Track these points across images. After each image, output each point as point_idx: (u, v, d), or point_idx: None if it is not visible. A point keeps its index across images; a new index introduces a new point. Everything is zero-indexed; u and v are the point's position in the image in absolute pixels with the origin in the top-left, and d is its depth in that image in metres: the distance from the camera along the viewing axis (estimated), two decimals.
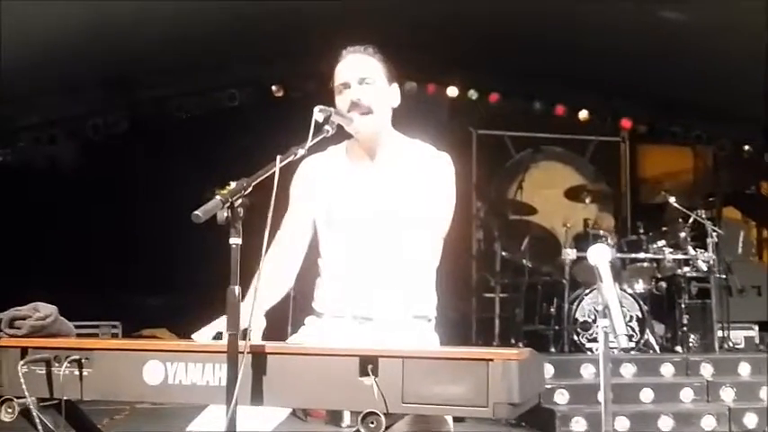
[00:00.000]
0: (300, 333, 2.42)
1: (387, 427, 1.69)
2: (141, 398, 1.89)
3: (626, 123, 8.22)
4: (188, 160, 7.37)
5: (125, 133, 7.25)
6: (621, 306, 5.53)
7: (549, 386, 5.12)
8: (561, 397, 5.17)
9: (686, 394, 5.31)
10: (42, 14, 5.37)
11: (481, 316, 7.90)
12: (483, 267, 8.06)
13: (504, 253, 7.24)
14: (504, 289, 7.37)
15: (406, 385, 1.69)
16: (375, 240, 2.32)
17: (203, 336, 2.08)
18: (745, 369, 5.62)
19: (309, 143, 2.07)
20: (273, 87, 7.43)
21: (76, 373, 1.89)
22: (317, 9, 5.96)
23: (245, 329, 1.77)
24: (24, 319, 2.00)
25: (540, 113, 7.99)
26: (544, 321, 6.53)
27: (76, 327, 2.15)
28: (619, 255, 6.18)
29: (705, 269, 6.23)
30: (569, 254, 6.16)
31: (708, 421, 5.07)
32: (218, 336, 2.02)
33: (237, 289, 1.76)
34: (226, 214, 1.77)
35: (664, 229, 6.41)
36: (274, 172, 1.90)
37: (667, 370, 5.55)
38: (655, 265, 6.29)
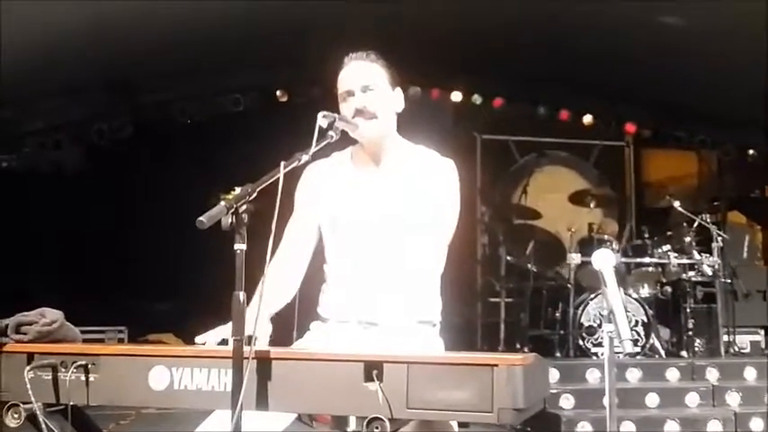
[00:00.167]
0: (305, 338, 2.42)
1: None
2: (147, 403, 1.89)
3: (630, 128, 8.22)
4: (192, 165, 7.38)
5: (130, 138, 7.27)
6: (626, 311, 5.55)
7: (554, 391, 5.11)
8: (567, 402, 5.15)
9: (692, 399, 5.29)
10: (45, 19, 5.39)
11: (486, 321, 7.89)
12: (488, 272, 8.06)
13: (509, 257, 7.24)
14: (510, 294, 7.37)
15: (411, 391, 1.70)
16: (380, 246, 2.33)
17: (207, 339, 2.08)
18: (750, 373, 5.59)
19: (313, 149, 2.07)
20: (278, 92, 7.45)
21: (83, 378, 1.89)
22: (321, 14, 5.98)
23: (251, 336, 1.78)
24: (30, 324, 2.01)
25: (544, 118, 7.99)
26: (549, 326, 6.52)
27: (82, 332, 2.15)
28: (624, 259, 6.17)
29: (710, 273, 6.22)
30: (574, 258, 6.15)
31: (714, 426, 5.05)
32: (224, 342, 2.03)
33: (242, 295, 1.77)
34: (230, 220, 1.78)
35: (669, 233, 6.40)
36: (279, 178, 1.91)
37: (673, 375, 5.53)
38: (660, 269, 6.28)
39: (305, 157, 2.06)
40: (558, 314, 6.33)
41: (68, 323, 2.07)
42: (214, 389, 1.83)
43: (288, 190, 2.01)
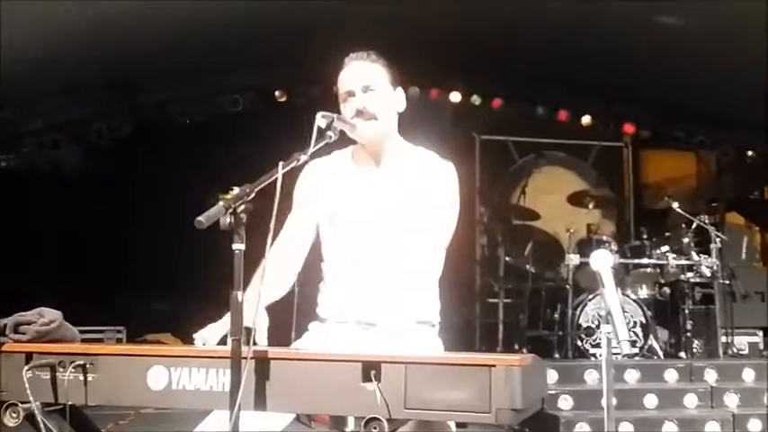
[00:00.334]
0: (304, 338, 2.42)
1: None
2: (145, 403, 1.89)
3: (629, 128, 8.23)
4: (191, 165, 7.37)
5: (128, 138, 7.27)
6: (624, 312, 5.55)
7: (552, 392, 5.11)
8: (565, 403, 5.15)
9: (690, 400, 5.29)
10: (45, 19, 5.39)
11: (485, 321, 7.88)
12: (486, 273, 8.06)
13: (507, 258, 7.24)
14: (508, 294, 7.36)
15: (409, 391, 1.70)
16: (379, 246, 2.33)
17: (204, 338, 2.08)
18: (749, 375, 5.59)
19: (312, 149, 2.07)
20: (276, 93, 7.45)
21: (81, 378, 1.90)
22: (320, 15, 5.98)
23: (249, 328, 1.78)
24: (29, 324, 2.01)
25: (542, 119, 8.00)
26: (548, 327, 6.53)
27: (81, 332, 2.16)
28: (622, 260, 6.17)
29: (709, 275, 6.22)
30: (572, 259, 6.15)
31: (712, 427, 5.05)
32: (224, 342, 2.03)
33: (240, 294, 1.77)
34: (229, 220, 1.78)
35: (667, 234, 6.40)
36: (277, 178, 1.91)
37: (671, 376, 5.53)
38: (658, 270, 6.28)
39: (303, 158, 2.06)
40: (556, 315, 6.33)
41: (67, 323, 2.08)
42: (212, 389, 1.83)
43: (286, 190, 2.01)
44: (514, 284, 7.22)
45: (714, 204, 7.31)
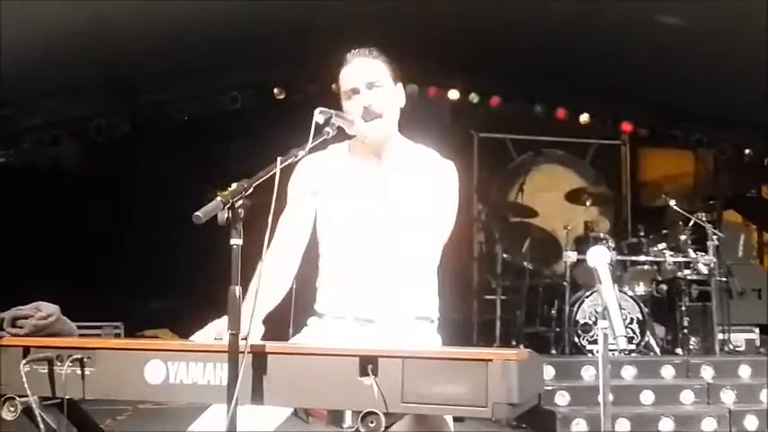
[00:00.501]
0: (302, 334, 2.42)
1: (386, 427, 1.70)
2: (143, 397, 1.90)
3: (627, 127, 8.23)
4: (190, 162, 7.38)
5: (127, 135, 7.27)
6: (622, 308, 5.57)
7: (549, 388, 5.12)
8: (562, 398, 5.17)
9: (687, 396, 5.31)
10: (45, 18, 5.39)
11: (482, 318, 7.90)
12: (484, 270, 8.07)
13: (505, 255, 7.25)
14: (506, 291, 7.37)
15: (406, 385, 1.71)
16: (377, 241, 2.33)
17: (203, 336, 2.09)
18: (745, 371, 5.61)
19: (310, 145, 2.07)
20: (275, 90, 7.45)
21: (78, 372, 1.90)
22: (319, 13, 5.98)
23: (245, 339, 1.78)
24: (26, 318, 2.01)
25: (541, 116, 8.00)
26: (545, 323, 6.54)
27: (79, 328, 2.16)
28: (619, 257, 6.18)
29: (706, 272, 6.24)
30: (570, 256, 6.17)
31: (708, 423, 5.07)
32: (220, 339, 2.03)
33: (238, 289, 1.78)
34: (226, 215, 1.78)
35: (664, 231, 6.42)
36: (275, 173, 1.92)
37: (668, 372, 5.55)
38: (655, 267, 6.30)
39: (301, 153, 2.06)
40: (553, 312, 6.35)
41: (64, 317, 2.08)
42: (210, 383, 1.83)
43: (284, 186, 2.02)
44: (512, 281, 7.24)
45: (711, 202, 7.33)
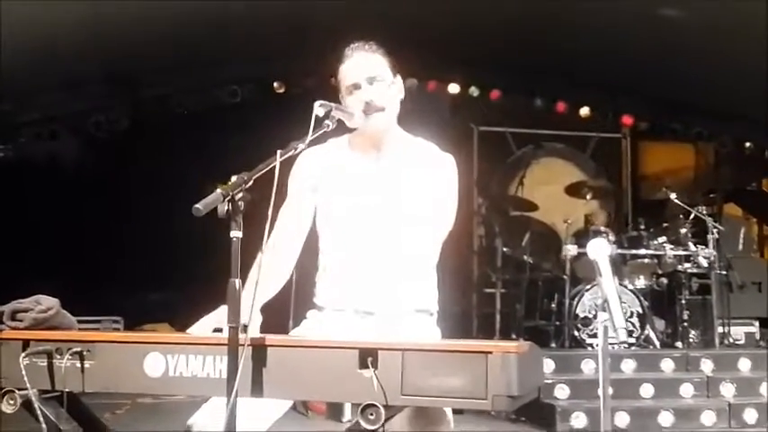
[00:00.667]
0: (302, 327, 2.42)
1: (386, 419, 1.70)
2: (142, 390, 1.90)
3: (627, 120, 8.22)
4: (189, 156, 7.36)
5: (127, 129, 7.26)
6: (622, 302, 5.56)
7: (549, 381, 5.13)
8: (561, 392, 5.18)
9: (686, 390, 5.32)
10: (43, 11, 5.37)
11: (482, 311, 7.91)
12: (484, 263, 8.07)
13: (505, 249, 7.24)
14: (505, 285, 7.37)
15: (406, 377, 1.70)
16: (377, 234, 2.33)
17: (201, 327, 2.09)
18: (745, 365, 5.62)
19: (310, 138, 2.07)
20: (275, 84, 7.44)
21: (78, 365, 1.90)
22: (318, 6, 5.96)
23: (245, 325, 1.79)
24: (26, 311, 2.01)
25: (541, 110, 7.99)
26: (545, 317, 6.55)
27: (78, 322, 2.15)
28: (619, 251, 6.18)
29: (706, 265, 6.24)
30: (570, 250, 6.17)
31: (708, 417, 5.08)
32: (219, 331, 2.03)
33: (238, 282, 1.78)
34: (226, 207, 1.78)
35: (665, 225, 6.42)
36: (275, 166, 1.91)
37: (667, 365, 5.55)
38: (655, 261, 6.30)
39: (301, 146, 2.06)
40: (553, 305, 6.35)
41: (64, 310, 2.08)
42: (209, 376, 1.83)
43: (284, 179, 2.01)
44: (512, 275, 7.24)
45: (712, 195, 7.34)
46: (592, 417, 4.90)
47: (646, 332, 5.99)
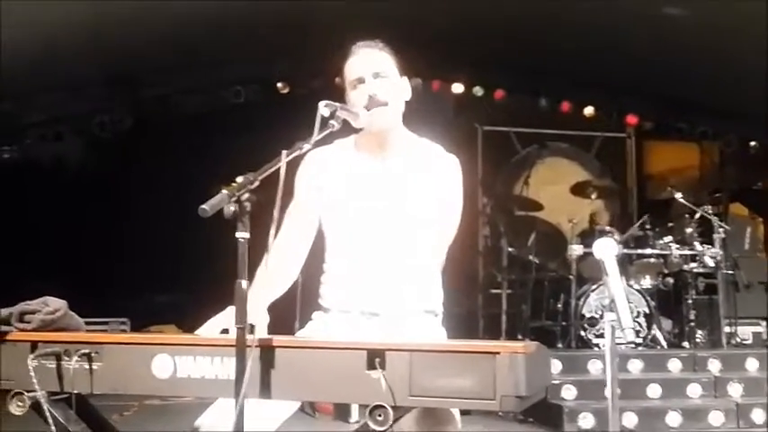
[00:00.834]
0: (307, 328, 2.42)
1: (394, 420, 1.70)
2: (150, 391, 1.90)
3: (632, 119, 8.21)
4: (193, 157, 7.38)
5: (131, 130, 7.27)
6: (628, 301, 5.54)
7: (556, 382, 5.12)
8: (568, 392, 5.17)
9: (694, 390, 5.30)
10: (45, 13, 5.38)
11: (488, 312, 7.89)
12: (489, 263, 8.06)
13: (510, 249, 7.24)
14: (511, 285, 7.37)
15: (414, 378, 1.70)
16: (382, 235, 2.32)
17: (208, 328, 2.09)
18: (752, 364, 5.60)
19: (315, 138, 2.07)
20: (279, 84, 7.45)
21: (86, 366, 1.90)
22: (321, 6, 5.96)
23: (252, 325, 1.79)
24: (34, 313, 2.01)
25: (545, 109, 7.98)
26: (551, 317, 6.54)
27: (85, 324, 2.15)
28: (625, 250, 6.17)
29: (712, 265, 6.22)
30: (575, 250, 6.16)
31: (715, 417, 5.06)
32: (225, 332, 2.04)
33: (245, 283, 1.77)
34: (233, 208, 1.77)
35: (670, 224, 6.40)
36: (280, 167, 1.91)
37: (674, 365, 5.54)
38: (661, 260, 6.28)
39: (306, 146, 2.05)
40: (559, 305, 6.34)
41: (71, 312, 2.08)
42: (217, 377, 1.83)
43: (289, 180, 2.01)
44: (517, 275, 7.23)
45: (717, 195, 7.31)
46: (599, 417, 4.89)
47: (652, 332, 5.97)
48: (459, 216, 2.40)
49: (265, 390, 1.80)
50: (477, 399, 1.67)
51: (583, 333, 5.95)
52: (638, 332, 5.87)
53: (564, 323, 6.20)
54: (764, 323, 7.02)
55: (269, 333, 2.03)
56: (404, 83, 2.42)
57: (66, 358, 1.90)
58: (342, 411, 5.09)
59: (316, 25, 6.02)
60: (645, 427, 4.97)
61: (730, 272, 6.49)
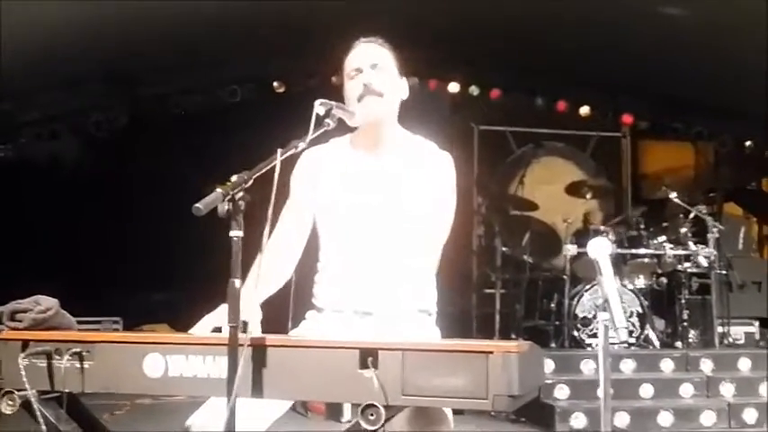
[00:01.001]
0: (301, 327, 2.42)
1: (386, 420, 1.70)
2: (142, 390, 1.89)
3: (627, 119, 8.22)
4: (189, 156, 7.36)
5: (126, 129, 7.25)
6: (622, 302, 5.55)
7: (549, 381, 5.13)
8: (561, 392, 5.18)
9: (686, 390, 5.32)
10: (43, 10, 5.37)
11: (481, 311, 7.90)
12: (483, 263, 8.06)
13: (504, 248, 7.24)
14: (505, 285, 7.37)
15: (406, 377, 1.70)
16: (376, 234, 2.32)
17: (202, 327, 2.08)
18: (745, 364, 5.62)
19: (310, 136, 2.07)
20: (275, 83, 7.44)
21: (77, 365, 1.89)
22: (318, 5, 5.95)
23: (244, 322, 1.78)
24: (25, 312, 2.00)
25: (541, 109, 7.99)
26: (544, 317, 6.54)
27: (78, 323, 2.15)
28: (619, 250, 6.18)
29: (706, 265, 6.23)
30: (570, 249, 6.16)
31: (707, 417, 5.07)
32: (218, 330, 2.03)
33: (238, 282, 1.77)
34: (227, 207, 1.77)
35: (664, 224, 6.41)
36: (275, 165, 1.91)
37: (667, 365, 5.55)
38: (655, 260, 6.28)
39: (302, 145, 2.05)
40: (553, 305, 6.35)
41: (63, 311, 2.07)
42: (209, 376, 1.83)
43: (284, 178, 2.01)
44: (511, 275, 7.23)
45: (712, 195, 7.33)
46: (591, 417, 4.90)
47: (645, 332, 5.98)
48: (453, 213, 2.39)
49: (257, 389, 1.80)
50: (470, 398, 1.67)
51: (576, 333, 5.95)
52: (631, 332, 5.88)
53: (557, 323, 6.20)
54: (757, 323, 7.04)
55: (262, 332, 2.03)
56: (402, 82, 2.42)
57: (58, 357, 1.90)
58: (334, 411, 5.08)
59: (312, 25, 6.01)
60: (637, 427, 4.98)
61: (724, 272, 6.50)
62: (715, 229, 6.23)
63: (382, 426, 1.69)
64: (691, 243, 6.22)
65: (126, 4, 5.55)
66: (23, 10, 5.26)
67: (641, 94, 7.93)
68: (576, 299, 6.02)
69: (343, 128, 2.29)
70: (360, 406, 1.70)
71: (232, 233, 1.78)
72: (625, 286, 6.02)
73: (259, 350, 1.80)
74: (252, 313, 1.98)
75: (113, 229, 7.49)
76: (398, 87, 2.41)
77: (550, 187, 7.53)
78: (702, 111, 7.96)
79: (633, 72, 7.12)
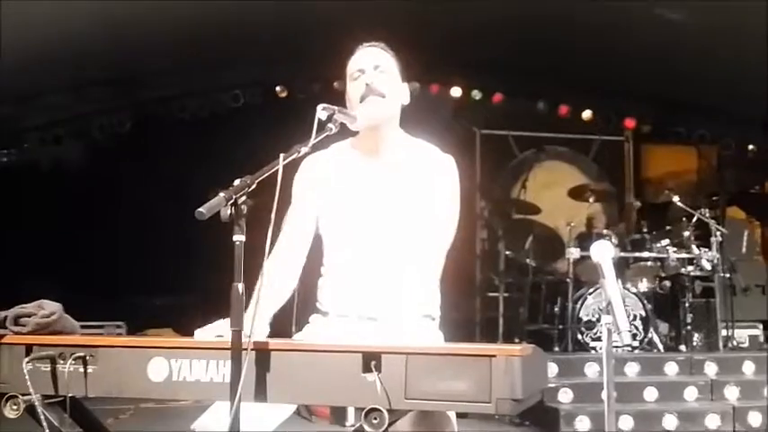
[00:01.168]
0: (305, 331, 2.42)
1: (390, 423, 1.70)
2: (146, 394, 1.90)
3: (630, 123, 8.22)
4: (192, 161, 7.37)
5: (129, 133, 7.27)
6: (625, 305, 5.55)
7: (552, 385, 5.12)
8: (565, 396, 5.16)
9: (690, 393, 5.30)
10: (46, 15, 5.39)
11: (485, 315, 7.89)
12: (487, 267, 8.05)
13: (508, 252, 7.24)
14: (508, 288, 7.36)
15: (410, 381, 1.70)
16: (379, 238, 2.32)
17: (206, 333, 2.08)
18: (749, 368, 5.60)
19: (312, 141, 2.07)
20: (277, 88, 7.45)
21: (81, 370, 1.90)
22: (320, 10, 5.97)
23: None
24: (29, 316, 2.01)
25: (543, 113, 7.99)
26: (548, 321, 6.53)
27: (81, 327, 2.15)
28: (622, 254, 6.17)
29: (709, 268, 6.22)
30: (573, 253, 6.16)
31: (712, 420, 5.06)
32: (220, 336, 2.03)
33: (241, 286, 1.77)
34: (229, 211, 1.77)
35: (668, 228, 6.40)
36: (278, 170, 1.91)
37: (671, 369, 5.54)
38: (659, 264, 6.28)
39: (304, 149, 2.05)
40: (556, 309, 6.34)
41: (67, 315, 2.08)
42: (213, 380, 1.83)
43: (287, 183, 2.01)
44: (515, 278, 7.23)
45: (715, 198, 7.31)
46: (596, 420, 4.89)
47: (649, 335, 5.97)
48: (457, 216, 2.39)
49: (261, 393, 1.80)
50: (473, 402, 1.67)
51: (579, 336, 5.94)
52: (634, 335, 5.87)
53: (561, 326, 6.19)
54: (761, 326, 7.03)
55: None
56: (404, 87, 2.43)
57: (61, 361, 1.90)
58: (338, 415, 5.08)
59: (315, 30, 6.03)
60: (641, 431, 4.97)
61: (727, 275, 6.49)
62: (718, 233, 6.22)
63: (386, 429, 1.69)
64: (694, 246, 6.21)
65: (129, 9, 5.57)
66: (25, 14, 5.28)
67: (643, 97, 7.93)
68: (579, 302, 6.02)
69: (344, 132, 2.29)
70: (363, 410, 1.70)
71: (235, 238, 1.79)
72: (628, 290, 6.01)
73: (262, 354, 1.80)
74: (259, 329, 1.96)
75: (118, 233, 7.50)
76: (400, 91, 2.41)
77: (553, 191, 7.53)
78: (705, 114, 7.96)
79: (635, 76, 7.12)
